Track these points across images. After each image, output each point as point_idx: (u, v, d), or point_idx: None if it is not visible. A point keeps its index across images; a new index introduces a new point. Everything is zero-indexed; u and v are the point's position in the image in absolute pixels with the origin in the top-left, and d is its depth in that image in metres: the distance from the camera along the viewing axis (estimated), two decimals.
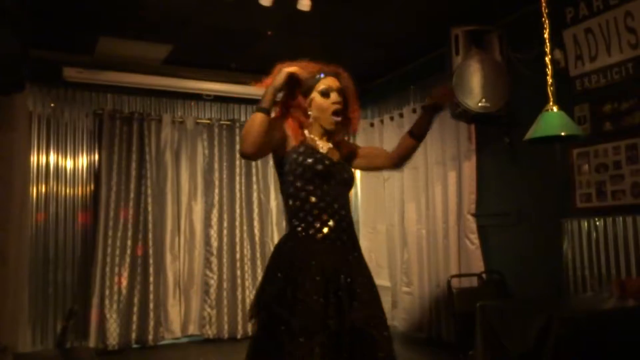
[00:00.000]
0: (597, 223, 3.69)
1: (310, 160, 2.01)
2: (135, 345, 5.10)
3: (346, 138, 2.32)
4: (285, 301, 1.88)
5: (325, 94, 2.06)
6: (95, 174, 5.23)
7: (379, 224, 5.77)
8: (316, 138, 2.11)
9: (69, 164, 5.17)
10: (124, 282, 5.08)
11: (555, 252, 3.95)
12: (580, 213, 3.83)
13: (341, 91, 2.09)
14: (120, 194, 5.23)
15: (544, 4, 3.43)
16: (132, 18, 4.29)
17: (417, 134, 2.28)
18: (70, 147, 5.18)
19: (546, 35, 3.43)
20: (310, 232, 1.98)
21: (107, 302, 5.03)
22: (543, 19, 3.42)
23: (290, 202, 2.06)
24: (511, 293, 4.13)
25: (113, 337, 4.98)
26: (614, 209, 3.62)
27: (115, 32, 4.56)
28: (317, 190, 2.01)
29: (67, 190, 5.13)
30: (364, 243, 4.70)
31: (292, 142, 2.08)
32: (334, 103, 2.05)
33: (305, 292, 1.87)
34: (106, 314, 5.00)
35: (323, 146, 2.10)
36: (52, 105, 5.09)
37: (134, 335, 5.10)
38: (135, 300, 5.15)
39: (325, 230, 1.98)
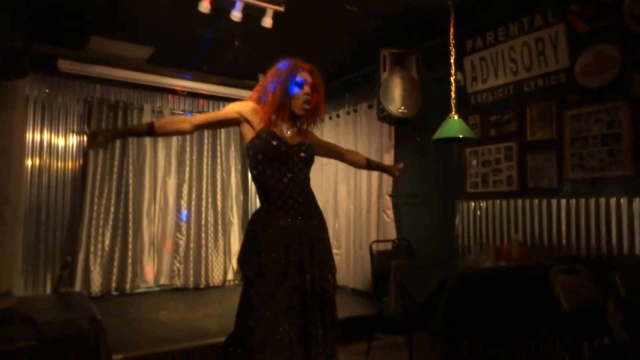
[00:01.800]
0: (481, 204, 3.82)
1: (269, 146, 1.86)
2: (114, 293, 4.90)
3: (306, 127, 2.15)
4: (251, 264, 1.84)
5: (299, 84, 1.95)
6: (84, 151, 4.95)
7: (317, 201, 5.74)
8: (282, 123, 1.95)
9: (61, 142, 4.84)
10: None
11: (449, 225, 4.04)
12: (469, 196, 3.93)
13: (313, 86, 1.98)
14: (106, 168, 4.97)
15: (451, 37, 3.54)
16: (121, 23, 4.05)
17: (370, 166, 2.45)
18: (62, 127, 4.84)
19: (452, 60, 3.55)
20: (273, 209, 1.88)
21: (91, 257, 4.80)
22: (450, 48, 3.54)
23: (256, 184, 1.95)
24: (416, 255, 4.19)
25: (96, 285, 4.78)
26: (494, 194, 3.73)
27: (106, 33, 4.29)
28: (276, 172, 1.88)
29: (59, 164, 4.81)
30: None
31: (256, 126, 1.93)
32: (305, 94, 1.94)
33: (266, 257, 1.82)
34: (90, 267, 4.77)
35: (287, 129, 1.96)
36: (46, 91, 4.73)
37: (114, 284, 4.90)
38: (116, 256, 4.93)
39: (285, 207, 1.88)
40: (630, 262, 2.80)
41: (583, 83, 3.18)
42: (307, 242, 1.90)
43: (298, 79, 1.95)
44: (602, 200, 3.01)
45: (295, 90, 1.94)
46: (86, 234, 4.80)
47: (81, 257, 4.75)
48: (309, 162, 1.99)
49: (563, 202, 3.23)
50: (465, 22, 3.65)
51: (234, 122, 1.99)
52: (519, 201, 3.52)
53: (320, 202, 2.15)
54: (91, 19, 4.02)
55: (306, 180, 1.99)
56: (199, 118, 1.98)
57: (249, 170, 2.05)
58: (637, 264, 2.73)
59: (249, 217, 6.48)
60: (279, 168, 1.89)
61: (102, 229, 4.90)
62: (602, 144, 3.06)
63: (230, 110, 1.97)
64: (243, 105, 1.97)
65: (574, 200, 3.17)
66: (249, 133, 1.95)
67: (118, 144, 5.03)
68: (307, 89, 1.96)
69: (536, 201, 3.40)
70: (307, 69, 1.99)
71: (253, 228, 1.94)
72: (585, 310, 2.21)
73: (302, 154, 1.95)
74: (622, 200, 2.92)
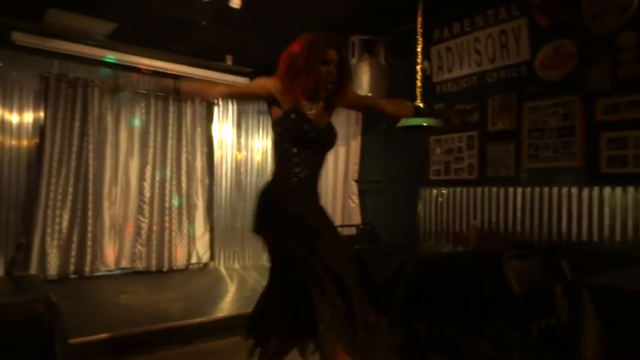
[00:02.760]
0: (443, 191, 3.92)
1: (300, 129, 1.84)
2: (73, 276, 4.75)
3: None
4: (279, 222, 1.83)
5: (325, 62, 1.86)
6: (40, 129, 4.72)
7: None
8: (307, 103, 1.90)
9: (15, 118, 4.60)
10: None
11: (412, 211, 4.13)
12: (431, 183, 4.02)
13: (338, 64, 1.89)
14: (64, 147, 4.76)
15: (419, 26, 3.58)
16: None
17: (415, 114, 2.29)
18: (16, 104, 4.58)
19: (419, 50, 3.59)
20: (289, 178, 1.88)
21: (48, 238, 4.62)
22: (418, 37, 3.58)
23: (278, 157, 1.95)
24: (380, 240, 4.21)
25: (53, 268, 4.61)
26: (455, 181, 3.83)
27: (65, 5, 4.06)
28: (300, 153, 1.88)
29: (13, 142, 4.57)
30: None
31: (284, 105, 1.87)
32: (329, 72, 1.86)
33: (292, 215, 1.82)
34: (47, 249, 4.61)
35: (312, 109, 1.91)
36: (0, 64, 4.51)
37: (72, 267, 4.75)
38: (74, 238, 4.77)
39: (300, 179, 1.89)
40: (578, 248, 2.96)
41: (542, 76, 3.30)
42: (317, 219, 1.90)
43: (325, 57, 1.86)
44: (555, 190, 3.16)
45: (321, 68, 1.86)
46: (42, 216, 4.62)
47: (37, 239, 4.57)
48: (330, 146, 1.99)
49: (519, 190, 3.37)
50: (433, 12, 3.69)
51: (261, 99, 1.94)
52: (479, 189, 3.63)
53: None
54: None
55: (322, 162, 2.00)
56: (228, 90, 1.96)
57: (273, 141, 2.00)
58: (584, 250, 2.90)
59: (214, 200, 6.36)
60: (304, 148, 1.89)
61: (59, 210, 4.73)
62: (557, 135, 3.20)
63: (261, 88, 1.90)
64: (273, 83, 1.89)
65: (529, 189, 3.31)
66: (277, 111, 1.90)
67: (77, 122, 4.84)
68: (332, 67, 1.88)
69: (494, 189, 3.53)
70: (333, 43, 1.89)
71: (269, 193, 1.92)
72: (534, 293, 2.33)
73: (328, 139, 1.95)
74: (572, 190, 3.07)
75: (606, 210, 2.91)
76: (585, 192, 3.01)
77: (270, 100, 1.89)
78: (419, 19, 3.54)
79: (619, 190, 2.86)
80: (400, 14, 3.89)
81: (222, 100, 1.84)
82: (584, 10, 3.05)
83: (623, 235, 2.82)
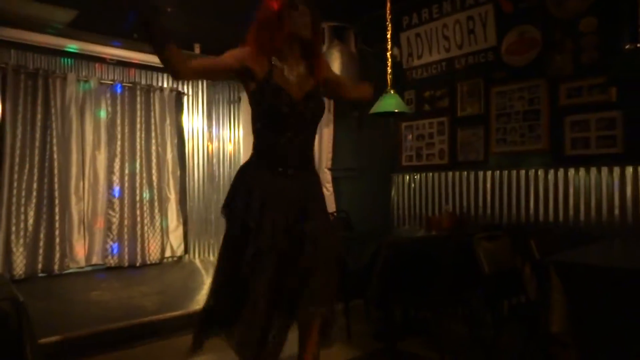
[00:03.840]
0: (415, 177, 3.97)
1: (272, 103, 1.64)
2: (41, 274, 4.61)
3: None
4: (250, 215, 1.66)
5: (294, 7, 1.70)
6: None
7: None
8: (286, 66, 1.71)
9: None
10: None
11: (385, 197, 4.17)
12: (404, 169, 4.07)
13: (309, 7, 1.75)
14: (26, 142, 4.59)
15: (388, 12, 3.57)
16: None
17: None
18: None
19: (388, 36, 3.58)
20: (272, 168, 1.71)
21: (13, 237, 4.47)
22: (387, 23, 3.58)
23: (254, 139, 1.77)
24: (354, 226, 4.21)
25: (20, 267, 4.47)
26: (427, 167, 3.88)
27: None
28: (277, 133, 1.69)
29: None
30: None
31: (258, 73, 1.68)
32: (303, 14, 1.70)
33: (268, 212, 1.66)
34: (12, 248, 4.45)
35: (293, 72, 1.73)
36: None
37: (40, 266, 4.61)
38: (42, 235, 4.63)
39: (284, 168, 1.71)
40: (545, 228, 3.07)
41: (508, 61, 3.37)
42: (296, 202, 1.72)
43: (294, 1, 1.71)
44: (523, 173, 3.25)
45: (292, 14, 1.70)
46: (6, 213, 4.45)
47: (1, 237, 4.41)
48: (315, 118, 1.77)
49: (489, 174, 3.45)
50: None
51: (234, 71, 1.72)
52: (450, 174, 3.70)
53: None
54: None
55: (309, 138, 1.79)
56: (199, 64, 1.71)
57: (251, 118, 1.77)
58: (550, 230, 3.00)
59: (187, 192, 6.27)
60: (280, 126, 1.69)
61: (24, 207, 4.56)
62: (523, 119, 3.28)
63: (233, 57, 1.70)
64: (245, 51, 1.71)
65: (498, 172, 3.40)
66: (251, 83, 1.72)
67: (39, 115, 4.66)
68: (302, 8, 1.72)
69: (465, 174, 3.60)
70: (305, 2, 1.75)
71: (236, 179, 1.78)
72: (504, 272, 2.40)
73: (309, 111, 1.73)
74: (539, 172, 3.16)
75: (570, 191, 3.01)
76: (551, 174, 3.11)
77: (244, 73, 1.71)
78: (388, 5, 3.53)
79: (582, 171, 2.96)
80: (369, 0, 3.88)
81: (193, 77, 1.62)
82: None
83: (586, 215, 2.93)
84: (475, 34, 3.55)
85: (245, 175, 1.77)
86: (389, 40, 3.57)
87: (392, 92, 3.47)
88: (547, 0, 3.12)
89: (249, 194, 1.70)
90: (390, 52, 3.58)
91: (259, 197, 1.68)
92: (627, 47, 2.34)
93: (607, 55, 2.85)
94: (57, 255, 4.71)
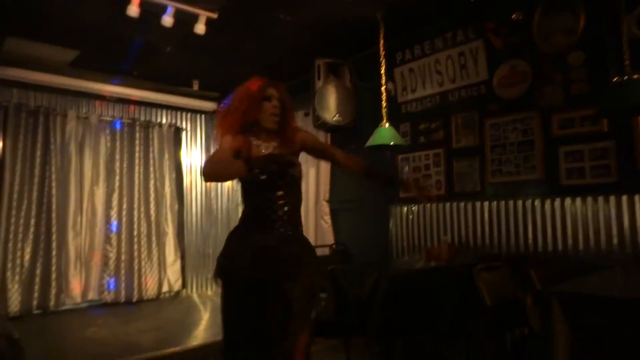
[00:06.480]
0: (413, 208, 3.96)
1: (253, 174, 1.76)
2: (36, 311, 4.52)
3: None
4: (226, 276, 1.93)
5: (267, 99, 1.92)
6: None
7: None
8: (260, 142, 1.93)
9: None
10: None
11: (384, 229, 4.14)
12: (402, 201, 4.04)
13: (280, 100, 1.95)
14: (25, 177, 4.60)
15: (381, 48, 3.68)
16: (41, 23, 3.73)
17: (367, 174, 2.12)
18: None
19: (382, 71, 3.68)
20: (256, 227, 1.88)
21: (9, 274, 4.41)
22: (381, 59, 3.68)
23: (242, 207, 1.99)
24: (353, 259, 4.19)
25: (15, 304, 4.39)
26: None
27: (24, 34, 3.95)
28: (258, 197, 1.88)
29: None
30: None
31: (244, 152, 1.87)
32: (273, 106, 1.92)
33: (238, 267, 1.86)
34: (8, 284, 4.39)
35: (269, 147, 1.93)
36: None
37: (35, 302, 4.53)
38: (38, 271, 4.57)
39: (270, 229, 1.87)
40: (544, 257, 3.05)
41: (501, 94, 3.43)
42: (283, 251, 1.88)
43: (265, 94, 1.92)
44: (519, 202, 3.26)
45: (263, 105, 1.92)
46: (2, 250, 4.41)
47: None
48: (292, 182, 1.92)
49: (486, 204, 3.45)
50: (395, 35, 3.81)
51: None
52: (447, 204, 3.70)
53: None
54: (6, 19, 3.70)
55: (292, 199, 1.94)
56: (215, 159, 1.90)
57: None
58: (550, 260, 2.98)
59: (185, 226, 6.24)
60: (259, 194, 1.89)
61: (21, 244, 4.52)
62: (518, 150, 3.31)
63: (228, 148, 1.86)
64: (227, 140, 1.88)
65: (495, 202, 3.40)
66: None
67: (39, 152, 4.68)
68: (274, 102, 1.93)
69: (462, 204, 3.60)
70: (269, 83, 1.96)
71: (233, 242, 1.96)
72: (506, 304, 2.37)
73: (288, 178, 1.88)
74: (535, 202, 3.17)
75: (568, 220, 3.01)
76: (548, 204, 3.11)
77: (238, 155, 1.87)
78: (381, 42, 3.64)
79: (578, 201, 2.97)
80: (363, 37, 3.99)
81: None
82: (534, 32, 3.22)
83: (585, 244, 2.92)
84: (467, 68, 3.64)
85: (233, 237, 1.96)
86: (383, 75, 3.67)
87: (387, 125, 3.54)
88: (535, 35, 3.22)
89: (240, 252, 1.87)
90: (384, 86, 3.67)
91: (249, 255, 1.84)
92: (615, 79, 2.40)
93: (597, 87, 2.91)
94: (53, 291, 4.63)
